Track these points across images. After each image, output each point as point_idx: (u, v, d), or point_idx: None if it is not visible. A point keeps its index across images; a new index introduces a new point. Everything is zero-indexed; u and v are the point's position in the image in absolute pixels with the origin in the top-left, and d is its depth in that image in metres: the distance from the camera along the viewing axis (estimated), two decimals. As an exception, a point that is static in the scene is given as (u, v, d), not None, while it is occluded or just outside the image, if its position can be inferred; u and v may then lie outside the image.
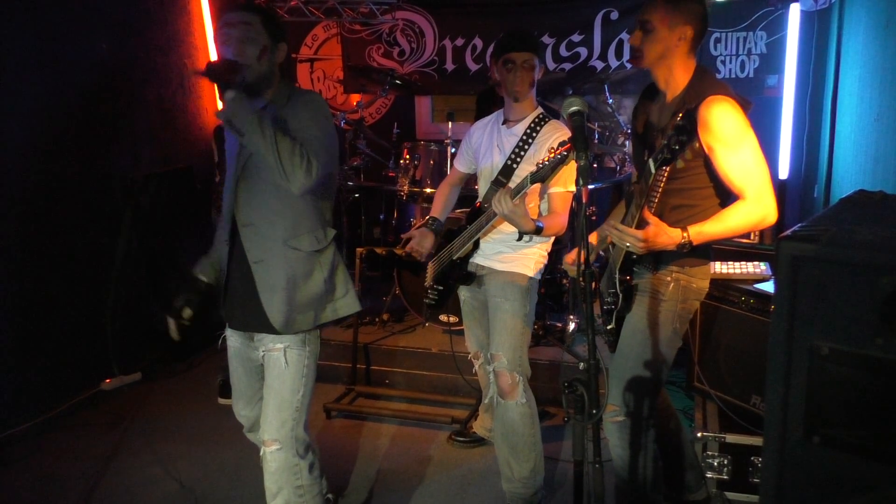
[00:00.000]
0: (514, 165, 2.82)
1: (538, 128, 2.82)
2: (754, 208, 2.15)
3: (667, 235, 2.16)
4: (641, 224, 2.18)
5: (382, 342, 4.27)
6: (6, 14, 3.62)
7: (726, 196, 2.28)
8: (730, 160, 2.17)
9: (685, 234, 2.17)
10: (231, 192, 2.33)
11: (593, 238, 2.64)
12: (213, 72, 2.12)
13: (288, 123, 2.21)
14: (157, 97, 4.70)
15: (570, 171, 2.75)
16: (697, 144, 2.09)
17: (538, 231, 2.60)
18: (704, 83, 2.25)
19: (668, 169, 2.14)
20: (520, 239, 2.73)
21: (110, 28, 4.28)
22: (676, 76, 2.30)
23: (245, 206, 2.29)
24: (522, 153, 2.81)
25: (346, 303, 2.46)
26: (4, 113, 3.54)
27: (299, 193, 2.19)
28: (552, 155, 2.40)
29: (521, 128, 2.86)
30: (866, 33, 3.58)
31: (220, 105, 4.84)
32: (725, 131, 2.15)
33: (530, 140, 2.81)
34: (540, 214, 2.86)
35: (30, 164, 3.76)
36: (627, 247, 2.19)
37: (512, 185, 2.69)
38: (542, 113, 2.87)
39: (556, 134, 2.77)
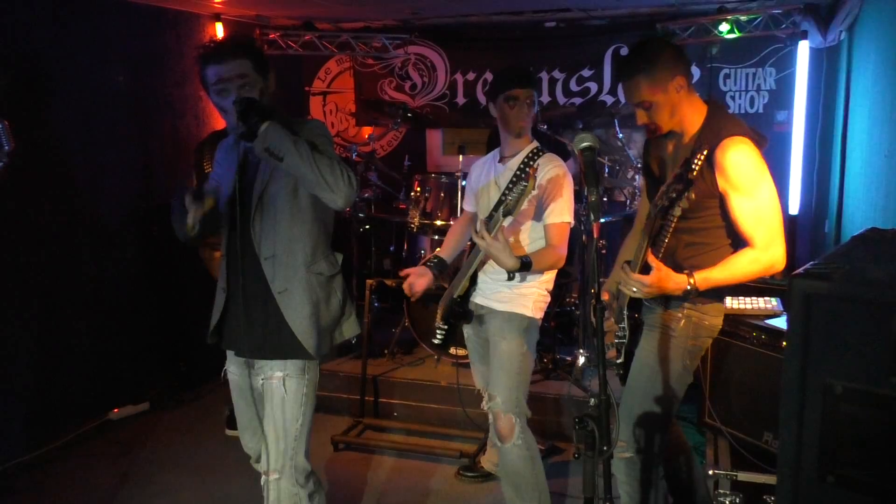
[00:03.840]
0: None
1: (532, 162, 2.81)
2: (762, 256, 2.15)
3: (673, 282, 2.16)
4: (645, 268, 2.17)
5: (391, 374, 4.25)
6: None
7: (738, 236, 2.27)
8: (742, 206, 2.16)
9: (691, 281, 2.16)
10: (228, 226, 2.36)
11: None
12: (250, 110, 2.09)
13: None
14: (172, 128, 4.76)
15: (565, 200, 2.74)
16: (693, 195, 2.09)
17: (526, 266, 2.52)
18: (720, 122, 2.24)
19: (675, 213, 2.15)
20: (510, 278, 2.63)
21: (128, 61, 4.35)
22: (688, 118, 2.29)
23: (265, 239, 2.31)
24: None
25: (350, 324, 2.50)
26: (19, 141, 3.57)
27: (345, 205, 2.22)
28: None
29: (515, 162, 2.85)
30: (875, 69, 3.60)
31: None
32: (741, 178, 2.14)
33: (524, 174, 2.80)
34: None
35: (43, 193, 3.80)
36: (634, 292, 2.19)
37: (506, 221, 2.61)
38: (536, 147, 2.87)
39: (548, 166, 2.75)
